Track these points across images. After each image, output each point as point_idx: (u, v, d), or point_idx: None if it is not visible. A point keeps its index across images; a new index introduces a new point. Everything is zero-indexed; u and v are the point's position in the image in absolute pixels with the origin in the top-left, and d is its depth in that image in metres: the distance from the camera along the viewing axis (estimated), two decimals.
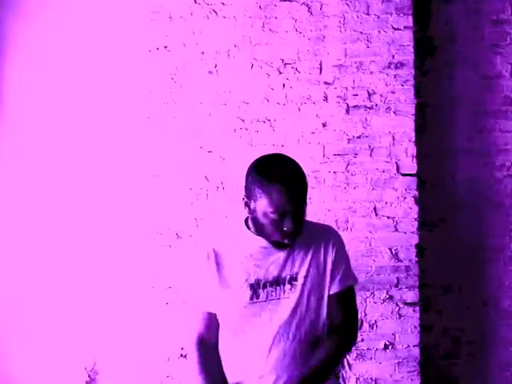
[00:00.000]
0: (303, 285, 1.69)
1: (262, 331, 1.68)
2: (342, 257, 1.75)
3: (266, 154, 1.70)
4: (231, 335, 1.74)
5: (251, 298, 1.68)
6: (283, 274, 1.69)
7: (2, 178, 3.19)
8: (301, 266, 1.70)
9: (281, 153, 1.73)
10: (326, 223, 1.91)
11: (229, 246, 1.76)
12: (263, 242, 1.70)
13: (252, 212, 1.65)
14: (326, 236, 1.76)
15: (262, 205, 1.60)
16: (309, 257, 1.71)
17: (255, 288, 1.69)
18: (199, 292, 1.76)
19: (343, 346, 1.76)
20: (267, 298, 1.68)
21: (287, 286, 1.69)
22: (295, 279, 1.69)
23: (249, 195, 1.64)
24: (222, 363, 1.78)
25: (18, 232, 3.18)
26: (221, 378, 1.75)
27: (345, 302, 1.75)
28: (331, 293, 1.72)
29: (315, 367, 1.67)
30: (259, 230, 1.67)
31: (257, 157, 1.68)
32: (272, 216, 1.59)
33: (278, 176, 1.58)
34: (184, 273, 1.77)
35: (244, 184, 1.67)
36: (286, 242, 1.64)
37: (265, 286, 1.69)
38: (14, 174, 3.18)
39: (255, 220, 1.66)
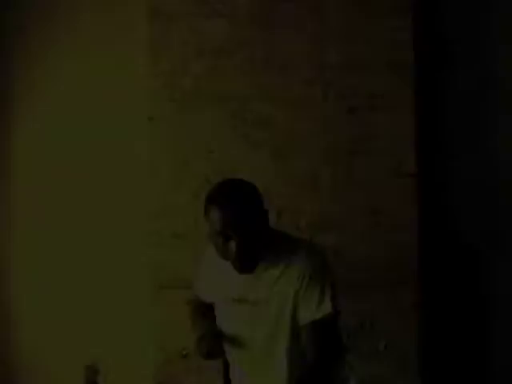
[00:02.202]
0: (265, 310, 1.66)
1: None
2: (311, 285, 1.62)
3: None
4: None
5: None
6: (249, 297, 1.67)
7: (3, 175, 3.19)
8: (264, 291, 1.65)
9: (237, 178, 1.68)
10: (306, 240, 1.84)
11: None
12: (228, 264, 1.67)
13: (209, 233, 1.64)
14: (295, 260, 1.63)
15: (210, 227, 1.59)
16: (274, 282, 1.65)
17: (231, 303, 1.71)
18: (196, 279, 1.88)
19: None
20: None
21: (251, 309, 1.67)
22: (257, 304, 1.66)
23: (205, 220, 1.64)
24: None
25: (19, 232, 3.19)
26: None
27: (316, 335, 1.63)
28: (301, 324, 1.64)
29: None
30: (216, 251, 1.65)
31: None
32: (218, 240, 1.58)
33: (215, 199, 1.57)
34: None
35: None
36: (235, 267, 1.61)
37: (234, 304, 1.70)
38: (16, 172, 3.19)
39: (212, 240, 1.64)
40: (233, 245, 1.54)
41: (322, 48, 2.87)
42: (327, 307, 1.63)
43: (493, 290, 3.01)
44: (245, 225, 1.54)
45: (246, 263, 1.61)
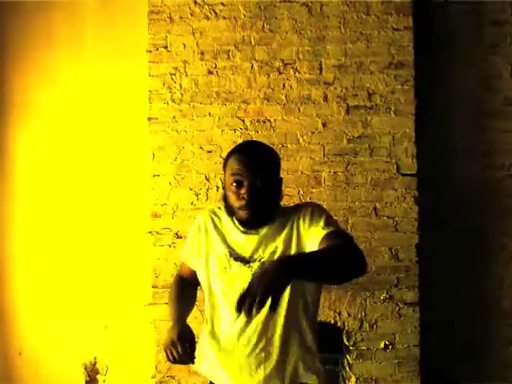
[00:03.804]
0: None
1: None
2: (314, 218, 1.68)
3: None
4: (208, 302, 1.81)
5: (225, 268, 1.74)
6: (255, 256, 1.72)
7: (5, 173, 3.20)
8: (272, 251, 1.70)
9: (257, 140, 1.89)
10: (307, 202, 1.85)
11: (218, 216, 1.83)
12: (236, 224, 1.75)
13: (223, 189, 1.76)
14: (295, 215, 1.72)
15: (226, 176, 1.71)
16: (280, 242, 1.70)
17: (229, 259, 1.74)
18: (187, 247, 1.90)
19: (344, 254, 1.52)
20: (239, 271, 1.72)
21: (256, 265, 1.70)
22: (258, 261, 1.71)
23: (223, 176, 1.76)
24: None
25: (19, 230, 3.19)
26: (189, 310, 1.90)
27: (336, 237, 1.60)
28: (317, 242, 1.62)
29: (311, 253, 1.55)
30: (227, 205, 1.74)
31: None
32: (233, 185, 1.68)
33: (237, 148, 1.75)
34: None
35: None
36: (244, 214, 1.67)
37: (237, 261, 1.72)
38: (16, 170, 3.19)
39: (224, 197, 1.74)
40: (245, 188, 1.65)
41: (322, 48, 2.88)
42: (330, 228, 1.63)
43: (493, 287, 3.02)
44: (260, 173, 1.66)
45: (254, 211, 1.68)
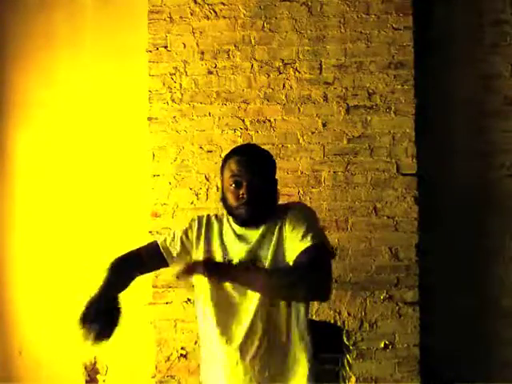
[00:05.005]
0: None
1: (226, 308, 1.78)
2: (297, 224, 1.72)
3: None
4: (201, 305, 1.86)
5: None
6: (251, 257, 1.76)
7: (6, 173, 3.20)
8: (267, 250, 1.75)
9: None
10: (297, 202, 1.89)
11: (215, 220, 1.88)
12: (235, 226, 1.80)
13: (221, 191, 1.80)
14: (284, 215, 1.77)
15: (225, 178, 1.77)
16: (273, 241, 1.75)
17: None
18: (173, 235, 1.91)
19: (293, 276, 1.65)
20: None
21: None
22: (260, 262, 1.75)
23: (220, 178, 1.81)
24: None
25: (19, 230, 3.19)
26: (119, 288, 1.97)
27: (307, 254, 1.67)
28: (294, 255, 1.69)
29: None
30: (226, 206, 1.79)
31: None
32: (231, 186, 1.74)
33: (235, 151, 1.81)
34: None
35: None
36: (243, 212, 1.73)
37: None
38: (16, 170, 3.19)
39: (223, 199, 1.79)
40: (243, 188, 1.72)
41: (322, 48, 2.88)
42: (308, 240, 1.68)
43: (493, 287, 3.02)
44: (257, 173, 1.73)
45: (253, 209, 1.73)
